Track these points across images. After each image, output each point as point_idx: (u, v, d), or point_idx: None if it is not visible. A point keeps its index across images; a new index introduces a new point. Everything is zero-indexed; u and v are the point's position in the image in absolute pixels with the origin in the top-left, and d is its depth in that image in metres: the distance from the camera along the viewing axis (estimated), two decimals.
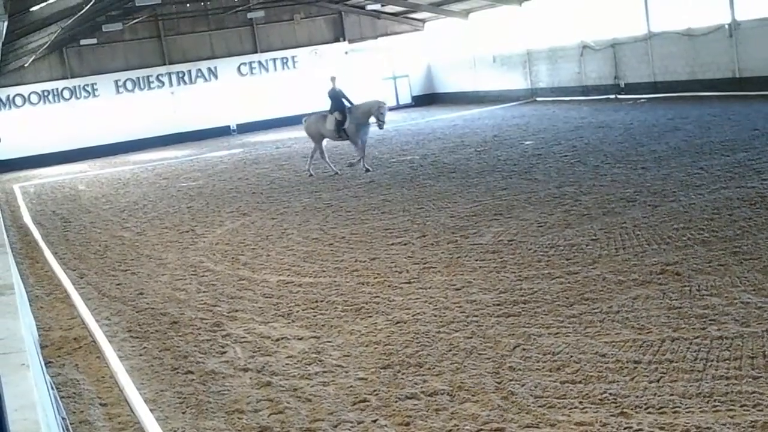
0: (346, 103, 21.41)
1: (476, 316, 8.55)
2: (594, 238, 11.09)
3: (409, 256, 11.51)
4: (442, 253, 11.45)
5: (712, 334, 7.15)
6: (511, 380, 6.80)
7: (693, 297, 8.21)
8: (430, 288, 9.83)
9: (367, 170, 20.78)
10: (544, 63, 36.23)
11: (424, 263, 11.02)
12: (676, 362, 6.69)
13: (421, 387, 6.92)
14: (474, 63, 40.76)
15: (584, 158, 18.09)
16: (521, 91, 37.53)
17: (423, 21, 43.61)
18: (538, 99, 36.16)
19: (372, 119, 21.23)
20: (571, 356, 7.11)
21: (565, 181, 15.69)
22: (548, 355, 7.23)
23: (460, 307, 8.93)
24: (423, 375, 7.18)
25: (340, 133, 21.42)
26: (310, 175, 21.50)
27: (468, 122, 30.61)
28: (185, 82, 40.23)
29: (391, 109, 41.99)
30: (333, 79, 22.19)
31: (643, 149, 18.10)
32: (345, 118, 21.24)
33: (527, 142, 22.34)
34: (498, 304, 8.82)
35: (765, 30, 25.61)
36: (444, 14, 40.96)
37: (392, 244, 12.47)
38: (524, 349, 7.43)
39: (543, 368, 6.96)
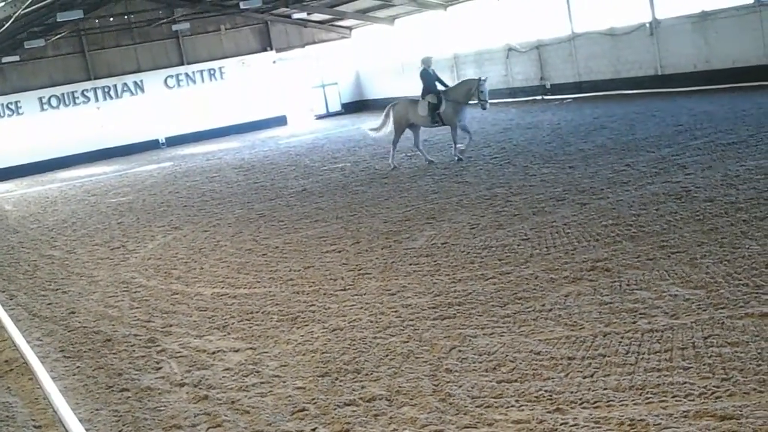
0: (440, 87, 19.99)
1: (412, 320, 8.59)
2: (525, 237, 11.21)
3: (343, 263, 11.52)
4: (377, 258, 11.48)
5: (643, 328, 7.28)
6: (448, 382, 6.84)
7: (623, 292, 8.35)
8: (365, 294, 9.85)
9: (460, 159, 19.34)
10: (471, 66, 36.51)
11: (359, 270, 11.03)
12: (609, 357, 6.79)
13: (360, 393, 6.92)
14: (402, 69, 40.89)
15: (513, 159, 18.28)
16: None
17: (350, 28, 43.68)
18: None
19: (472, 100, 19.67)
20: (507, 355, 7.18)
21: (495, 182, 15.85)
22: (484, 355, 7.29)
23: (395, 311, 8.96)
24: (361, 381, 7.19)
25: (435, 118, 19.92)
26: (394, 168, 19.95)
27: None
28: (111, 97, 39.68)
29: (319, 117, 42.44)
30: (426, 60, 20.58)
31: (571, 148, 18.36)
32: (440, 102, 19.73)
33: (458, 145, 22.42)
34: (433, 307, 8.87)
35: (684, 27, 26.17)
36: (370, 21, 41.08)
37: (326, 251, 12.46)
38: (460, 351, 7.48)
39: (479, 369, 7.02)
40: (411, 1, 36.71)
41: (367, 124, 25.54)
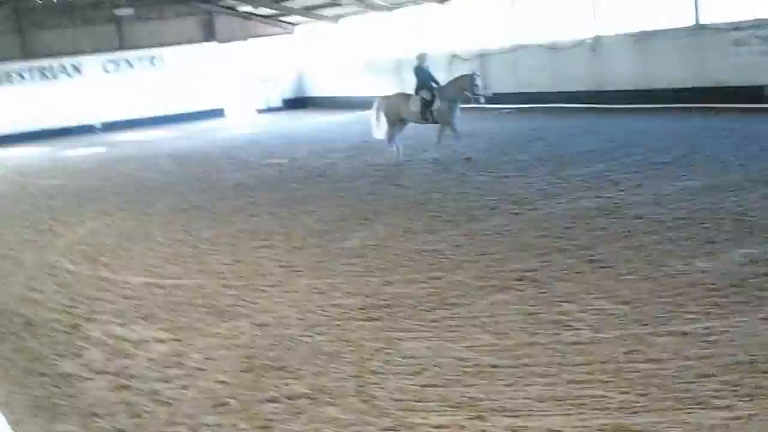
0: (433, 84, 19.55)
1: (340, 320, 8.58)
2: (457, 244, 11.28)
3: (274, 260, 11.46)
4: (308, 256, 11.45)
5: (567, 340, 7.37)
6: (372, 384, 6.85)
7: (550, 303, 8.44)
8: (294, 292, 9.81)
9: (436, 159, 19.08)
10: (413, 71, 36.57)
11: (290, 267, 10.99)
12: (532, 367, 6.86)
13: (283, 390, 6.89)
14: (345, 68, 40.91)
15: (450, 166, 18.39)
16: None
17: (294, 24, 43.53)
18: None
19: (466, 96, 19.32)
20: (432, 360, 7.21)
21: (431, 187, 15.92)
22: (409, 359, 7.31)
23: (324, 311, 8.94)
24: (285, 378, 7.15)
25: (427, 115, 19.50)
26: (398, 165, 19.31)
27: (338, 127, 30.73)
28: (47, 78, 39.01)
29: (260, 111, 42.20)
30: (421, 56, 20.23)
31: (507, 158, 18.53)
32: (434, 99, 19.32)
33: (394, 148, 22.47)
34: (362, 308, 8.87)
35: (625, 46, 26.62)
36: (315, 18, 40.99)
37: (258, 247, 12.39)
38: (386, 353, 7.49)
39: (404, 372, 7.03)
40: (357, 1, 36.71)
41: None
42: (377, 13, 37.48)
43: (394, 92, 21.19)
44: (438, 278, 9.74)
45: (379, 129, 20.23)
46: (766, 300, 7.85)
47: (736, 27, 23.66)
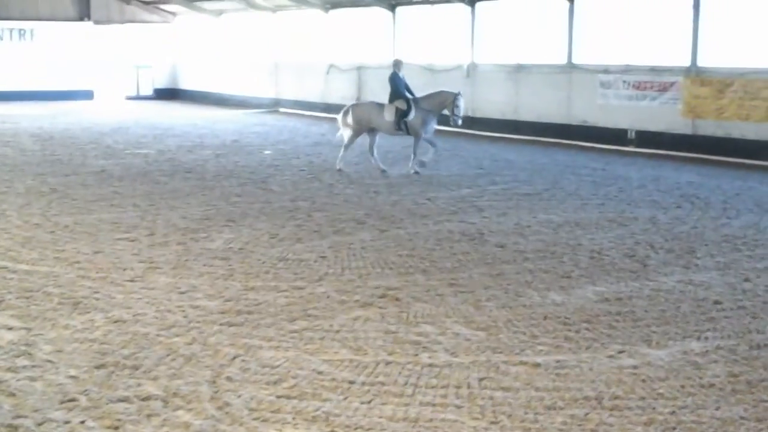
0: (408, 95, 18.90)
1: (199, 322, 8.48)
2: (322, 255, 11.31)
3: (135, 254, 11.24)
4: (170, 254, 11.27)
5: (424, 361, 7.49)
6: (227, 390, 6.80)
7: (409, 323, 8.56)
8: (154, 289, 9.65)
9: (417, 172, 18.59)
10: (291, 75, 36.57)
11: (151, 263, 10.79)
12: (388, 385, 6.94)
13: (135, 390, 6.76)
14: (222, 65, 40.46)
15: (320, 175, 18.43)
16: (266, 100, 37.67)
17: (174, 14, 42.81)
18: (282, 110, 36.44)
19: (444, 113, 18.96)
20: (289, 371, 7.21)
21: (300, 195, 15.92)
22: (267, 368, 7.29)
23: (183, 311, 8.82)
24: (138, 378, 7.02)
25: (400, 125, 18.78)
26: (340, 170, 18.86)
27: (209, 123, 30.33)
28: None
29: (130, 98, 41.26)
30: (397, 63, 19.61)
31: (377, 173, 18.68)
32: (410, 109, 18.72)
33: (266, 152, 22.47)
34: (222, 312, 8.80)
35: (499, 75, 27.28)
36: (196, 10, 40.44)
37: (119, 239, 12.12)
38: (243, 361, 7.45)
39: (260, 381, 7.01)
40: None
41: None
42: (260, 13, 37.27)
43: (368, 100, 20.54)
44: (301, 288, 9.75)
45: (344, 129, 19.59)
46: (615, 338, 8.17)
47: (606, 70, 24.59)
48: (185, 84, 43.45)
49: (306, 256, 11.24)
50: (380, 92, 31.75)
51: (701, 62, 22.66)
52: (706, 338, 8.23)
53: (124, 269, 10.47)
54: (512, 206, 15.08)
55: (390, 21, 31.75)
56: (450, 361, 7.52)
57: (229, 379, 7.04)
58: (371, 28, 32.86)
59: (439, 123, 19.47)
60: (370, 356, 7.61)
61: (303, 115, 34.30)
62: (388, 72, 31.43)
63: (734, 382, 7.09)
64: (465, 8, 28.63)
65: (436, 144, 19.32)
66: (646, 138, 23.80)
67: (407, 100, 18.83)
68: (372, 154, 19.38)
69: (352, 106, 19.86)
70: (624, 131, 24.24)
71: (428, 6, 30.46)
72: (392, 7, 31.49)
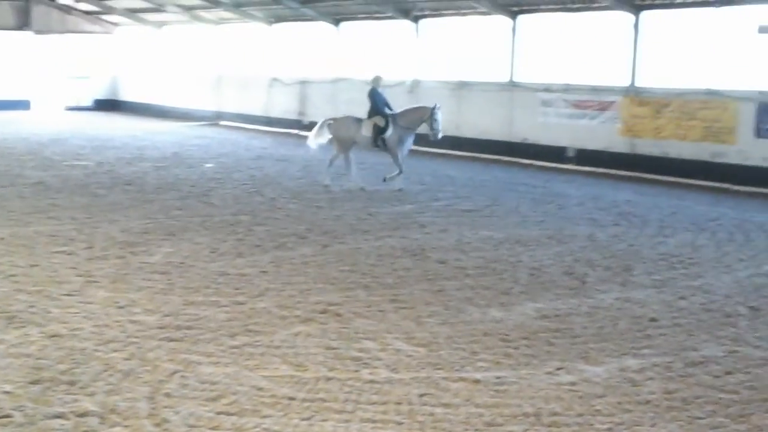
0: (387, 111, 18.76)
1: (137, 337, 8.38)
2: (264, 270, 11.26)
3: (72, 267, 11.07)
4: (109, 268, 11.12)
5: (364, 377, 7.49)
6: (165, 407, 6.73)
7: (350, 339, 8.56)
8: (91, 303, 9.51)
9: (401, 189, 18.42)
10: (233, 88, 36.41)
11: (88, 276, 10.64)
12: (329, 402, 6.93)
13: (71, 407, 6.66)
14: (163, 76, 40.15)
15: (262, 189, 18.35)
16: (207, 113, 37.44)
17: (116, 25, 42.39)
18: (223, 123, 36.26)
19: (422, 128, 18.74)
20: (229, 387, 7.16)
21: (241, 209, 15.83)
22: (206, 384, 7.23)
23: (121, 326, 8.71)
24: (74, 394, 6.92)
25: (378, 141, 18.71)
26: (327, 185, 18.69)
27: (150, 135, 30.04)
28: None
29: (70, 109, 40.69)
30: (376, 79, 19.38)
31: (319, 188, 18.67)
32: (388, 126, 18.59)
33: (207, 165, 22.33)
34: (161, 327, 8.71)
35: (442, 92, 27.38)
36: (138, 21, 40.09)
37: (56, 252, 11.93)
38: (183, 376, 7.38)
39: (199, 397, 6.95)
40: (183, 10, 36.19)
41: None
42: (203, 25, 37.08)
43: (345, 115, 20.23)
44: (241, 303, 9.69)
45: (315, 141, 19.45)
46: (553, 354, 8.26)
47: (547, 88, 24.89)
48: (126, 95, 43.00)
49: (247, 271, 11.18)
50: (323, 107, 31.94)
51: (640, 82, 23.04)
52: (643, 355, 8.35)
53: (61, 283, 10.31)
54: (453, 222, 15.17)
55: (334, 35, 31.81)
56: (391, 377, 7.53)
57: (167, 395, 6.97)
58: (315, 42, 32.88)
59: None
60: (310, 372, 7.59)
61: (245, 129, 34.15)
62: (332, 86, 31.70)
63: (670, 399, 7.21)
64: (409, 24, 28.79)
65: (401, 166, 18.92)
66: (586, 156, 24.13)
67: (386, 117, 18.76)
68: (330, 166, 19.23)
69: (331, 120, 19.63)
70: (564, 149, 24.54)
71: (372, 21, 30.57)
72: (336, 22, 31.56)
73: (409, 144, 19.04)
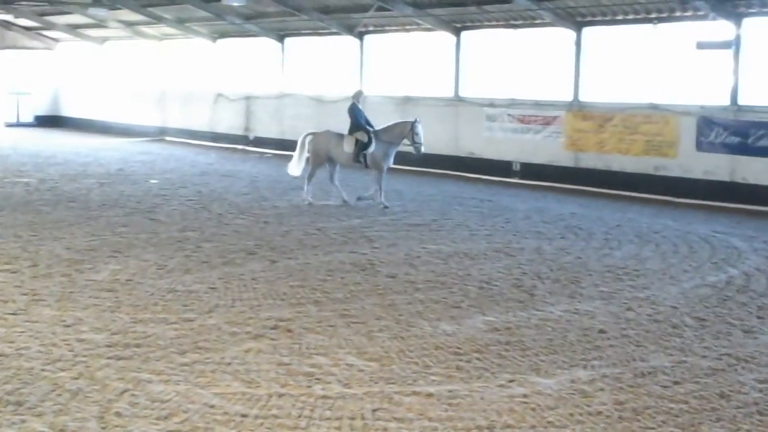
0: (368, 127, 18.56)
1: (85, 356, 8.24)
2: (212, 286, 11.16)
3: (17, 286, 10.87)
4: (54, 286, 10.94)
5: (317, 393, 7.45)
6: (116, 426, 6.62)
7: (302, 354, 8.51)
8: (37, 322, 9.33)
9: (386, 207, 18.23)
10: (178, 103, 36.20)
11: (34, 295, 10.45)
12: (282, 418, 6.88)
13: (19, 427, 6.53)
14: (106, 92, 39.77)
15: (209, 205, 18.23)
16: (152, 128, 37.17)
17: (57, 40, 41.91)
18: (168, 138, 36.01)
19: (405, 142, 18.48)
20: (180, 405, 7.07)
21: (188, 225, 15.70)
22: (157, 402, 7.14)
23: (68, 345, 8.57)
24: (22, 415, 6.77)
25: (359, 158, 18.39)
26: (309, 203, 18.50)
27: (93, 151, 29.72)
28: None
29: (9, 125, 40.08)
30: (357, 94, 19.26)
31: (267, 203, 18.61)
32: (370, 142, 18.35)
33: (153, 181, 22.13)
34: (109, 346, 8.58)
35: (388, 107, 27.50)
36: (80, 37, 39.68)
37: None
38: (133, 395, 7.27)
39: (150, 416, 6.85)
40: (125, 26, 35.90)
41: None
42: (146, 41, 36.82)
43: (325, 129, 19.86)
44: (191, 320, 9.59)
45: (298, 166, 19.02)
46: (505, 367, 8.30)
47: (491, 103, 25.12)
48: (68, 111, 42.50)
49: (195, 288, 11.08)
50: (268, 123, 31.90)
51: (583, 97, 23.37)
52: (593, 366, 8.42)
53: (6, 302, 10.11)
54: (402, 237, 15.21)
55: (279, 51, 31.79)
56: (343, 392, 7.50)
57: (117, 414, 6.87)
58: (259, 57, 32.85)
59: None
60: (262, 389, 7.53)
61: (190, 144, 33.94)
62: (277, 102, 31.69)
63: (621, 409, 7.28)
64: (354, 40, 28.88)
65: (382, 183, 18.85)
66: (531, 170, 24.38)
67: (368, 133, 18.55)
68: (334, 183, 19.03)
69: (309, 135, 19.27)
70: (509, 163, 24.76)
71: (317, 37, 30.62)
72: (281, 38, 31.56)
73: (390, 162, 18.84)
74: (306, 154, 19.01)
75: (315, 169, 19.04)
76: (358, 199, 18.89)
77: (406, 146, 18.78)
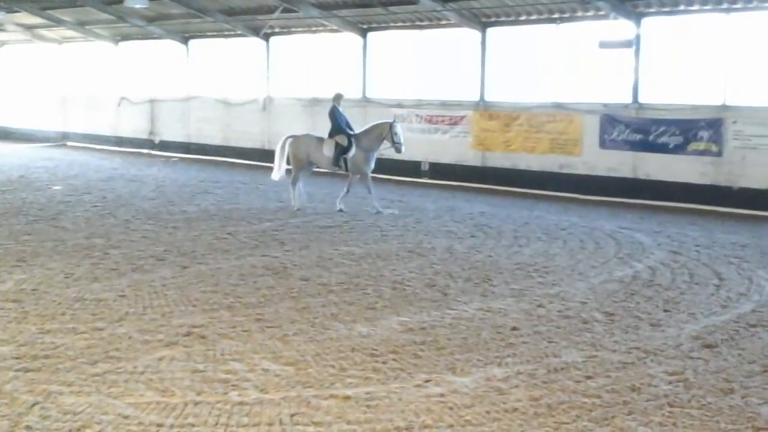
0: (348, 130, 18.27)
1: None
2: (122, 294, 10.96)
3: None
4: None
5: (234, 400, 7.37)
6: None
7: (217, 361, 8.41)
8: None
9: (379, 211, 18.09)
10: (80, 108, 35.48)
11: None
12: (198, 426, 6.78)
13: None
14: (5, 97, 38.75)
15: (115, 211, 17.89)
16: (53, 133, 36.36)
17: None
18: (70, 143, 35.26)
19: (385, 143, 18.24)
20: (93, 417, 6.92)
21: (94, 232, 15.38)
22: (69, 414, 6.96)
23: None
24: None
25: (340, 162, 18.14)
26: (297, 209, 18.21)
27: None
28: None
29: None
30: (337, 97, 18.73)
31: (175, 208, 18.35)
32: (350, 146, 18.08)
33: (56, 187, 21.63)
34: (17, 358, 8.34)
35: (295, 109, 27.52)
36: None
37: None
38: (43, 408, 7.08)
39: (62, 428, 6.69)
40: (24, 30, 35.02)
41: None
42: (46, 44, 35.97)
43: (305, 132, 19.54)
44: (101, 329, 9.39)
45: (279, 171, 18.69)
46: (421, 367, 8.33)
47: (399, 104, 25.23)
48: None
49: (104, 296, 10.85)
50: (174, 126, 31.48)
51: (489, 97, 23.65)
52: (507, 364, 8.52)
53: None
54: (314, 239, 15.16)
55: (183, 53, 31.40)
56: (260, 398, 7.44)
57: (28, 428, 6.68)
58: (163, 60, 32.40)
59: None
60: (177, 397, 7.42)
61: (94, 149, 33.28)
62: (182, 105, 31.33)
63: (536, 405, 7.37)
64: (260, 42, 28.70)
65: (371, 186, 18.75)
66: (439, 170, 24.57)
67: (348, 136, 18.35)
68: (294, 188, 18.76)
69: (288, 139, 18.97)
70: (418, 163, 24.91)
71: (222, 39, 30.33)
72: (185, 40, 31.17)
73: (371, 166, 18.65)
74: (285, 158, 18.77)
75: (298, 173, 18.81)
76: (377, 212, 18.32)
77: (386, 148, 18.69)
